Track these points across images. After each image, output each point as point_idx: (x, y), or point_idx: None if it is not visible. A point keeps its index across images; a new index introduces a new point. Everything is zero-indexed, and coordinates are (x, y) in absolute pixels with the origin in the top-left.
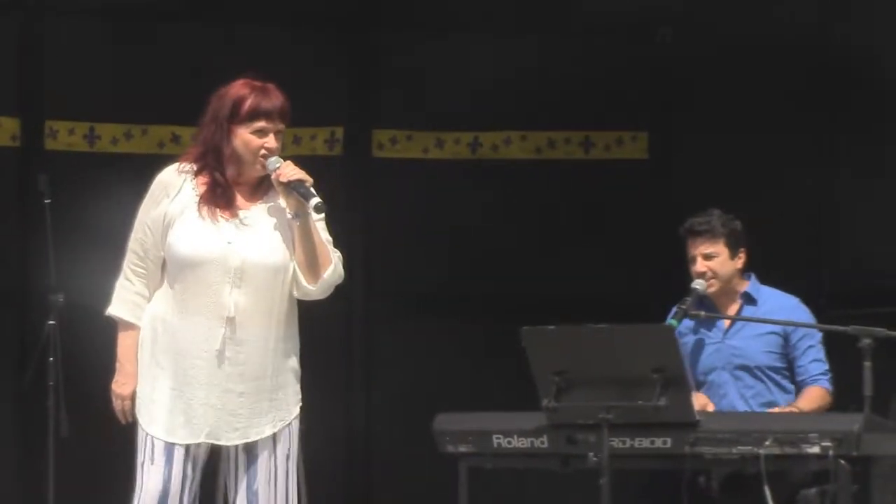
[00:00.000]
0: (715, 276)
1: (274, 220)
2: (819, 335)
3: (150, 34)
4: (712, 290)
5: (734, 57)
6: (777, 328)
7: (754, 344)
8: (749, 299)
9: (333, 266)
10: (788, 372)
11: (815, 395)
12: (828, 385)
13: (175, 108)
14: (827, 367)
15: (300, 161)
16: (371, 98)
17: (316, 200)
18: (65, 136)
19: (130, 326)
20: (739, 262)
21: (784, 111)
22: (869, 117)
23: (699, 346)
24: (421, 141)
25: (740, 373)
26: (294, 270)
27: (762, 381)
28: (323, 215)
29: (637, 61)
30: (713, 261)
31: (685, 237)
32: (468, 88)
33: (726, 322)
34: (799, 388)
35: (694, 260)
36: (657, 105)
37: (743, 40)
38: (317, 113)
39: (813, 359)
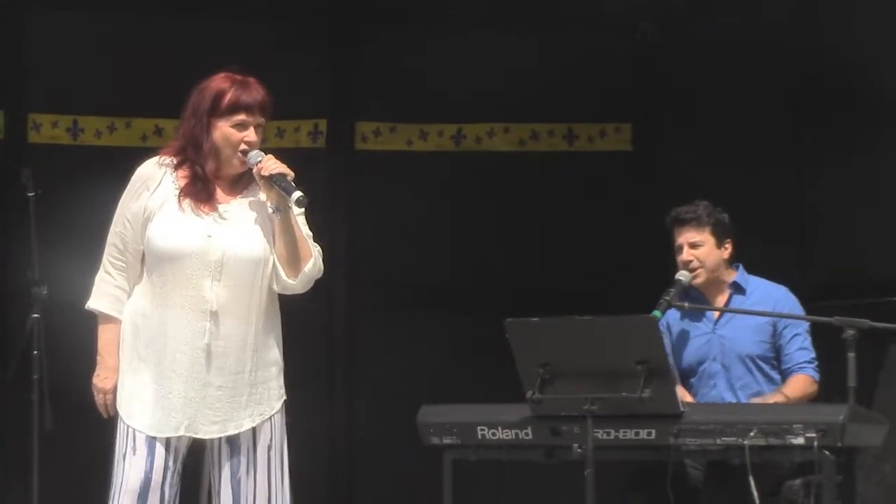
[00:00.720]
0: (701, 264)
1: (254, 214)
2: (806, 323)
3: (133, 27)
4: (699, 280)
5: (719, 49)
6: (766, 317)
7: (745, 334)
8: (737, 289)
9: (314, 260)
10: (777, 362)
11: (800, 383)
12: (814, 373)
13: (158, 101)
14: (813, 355)
15: (283, 154)
16: (354, 90)
17: (297, 194)
18: (48, 129)
19: (110, 320)
20: (726, 252)
21: (769, 104)
22: (853, 114)
23: (689, 336)
24: (404, 133)
25: (731, 363)
26: (274, 264)
27: (751, 371)
28: (303, 210)
29: (620, 53)
30: (699, 249)
31: (671, 227)
32: (452, 81)
33: (716, 313)
34: (785, 376)
35: (680, 249)
36: (641, 97)
37: (729, 34)
38: (300, 105)
39: (799, 347)
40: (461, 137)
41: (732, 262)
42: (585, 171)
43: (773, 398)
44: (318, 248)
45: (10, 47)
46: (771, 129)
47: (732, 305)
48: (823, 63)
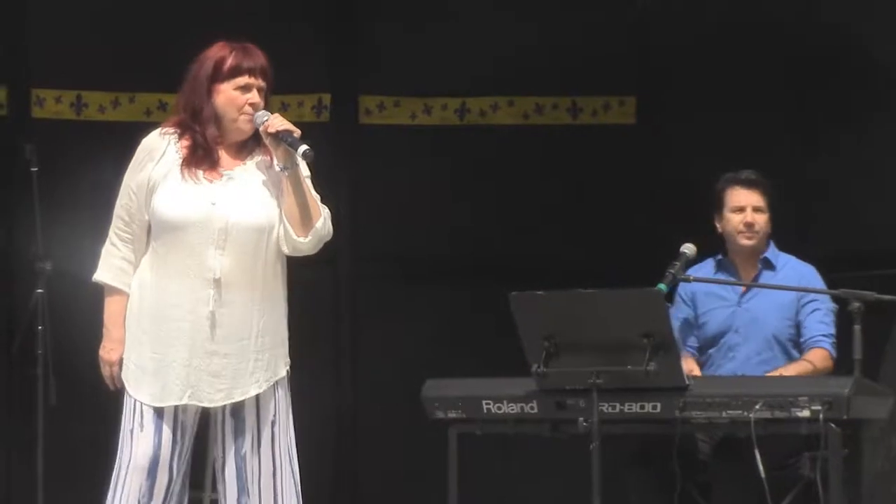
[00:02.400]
0: (760, 230)
1: (260, 179)
2: (830, 304)
3: (137, 1)
4: (751, 242)
5: (723, 21)
6: (793, 295)
7: (771, 310)
8: (767, 264)
9: (323, 219)
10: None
11: (816, 356)
12: (831, 349)
13: (162, 75)
14: (832, 331)
15: None
16: (358, 64)
17: (304, 147)
18: (52, 104)
19: (117, 292)
20: (770, 225)
21: (773, 75)
22: (855, 85)
23: (714, 307)
24: (408, 107)
25: (753, 338)
26: (284, 226)
27: (772, 348)
28: (308, 171)
29: (624, 25)
30: (761, 216)
31: (729, 186)
32: (456, 54)
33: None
34: (803, 349)
35: (741, 210)
36: (644, 69)
37: (732, 6)
38: (304, 79)
39: (819, 320)
40: (465, 111)
41: None
42: (589, 144)
43: (797, 367)
44: (327, 209)
45: (13, 22)
46: (778, 99)
47: (762, 281)
48: (823, 39)
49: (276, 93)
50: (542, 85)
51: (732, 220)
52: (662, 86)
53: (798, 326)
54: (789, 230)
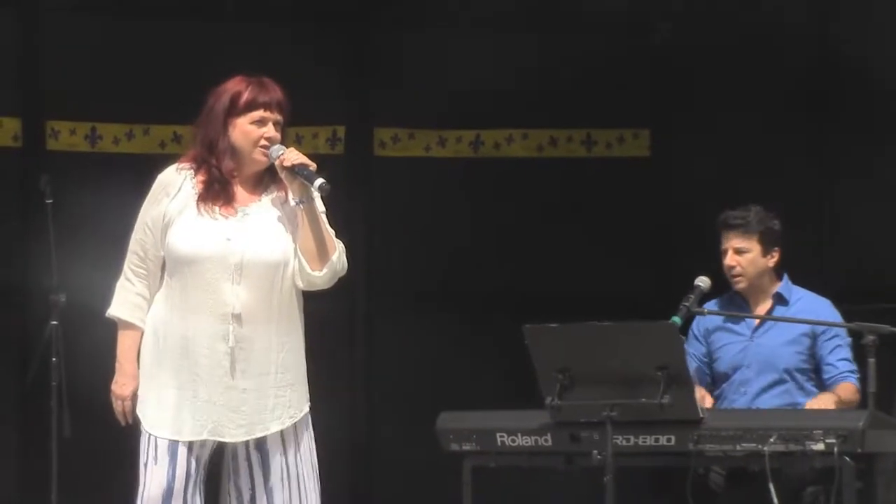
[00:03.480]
0: (743, 271)
1: (276, 214)
2: (848, 338)
3: (150, 33)
4: (740, 286)
5: (736, 54)
6: (806, 329)
7: (783, 344)
8: (780, 299)
9: (339, 253)
10: (814, 374)
11: (848, 390)
12: (857, 383)
13: (176, 107)
14: (855, 367)
15: None
16: (373, 96)
17: (320, 181)
18: (66, 136)
19: (130, 327)
20: (771, 261)
21: (785, 108)
22: (867, 114)
23: (726, 343)
24: (423, 139)
25: (766, 372)
26: (299, 261)
27: (785, 382)
28: (323, 205)
29: (638, 58)
30: (743, 256)
31: (719, 229)
32: (470, 86)
33: (755, 320)
34: (826, 386)
35: (725, 253)
36: (659, 102)
37: (744, 37)
38: (319, 111)
39: (841, 357)
40: (479, 143)
41: (778, 269)
42: (603, 177)
43: (826, 398)
44: (342, 243)
45: (28, 54)
46: (791, 132)
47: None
48: (840, 69)
49: (291, 124)
50: (557, 117)
51: (722, 262)
52: (676, 118)
53: (816, 360)
54: (803, 261)
